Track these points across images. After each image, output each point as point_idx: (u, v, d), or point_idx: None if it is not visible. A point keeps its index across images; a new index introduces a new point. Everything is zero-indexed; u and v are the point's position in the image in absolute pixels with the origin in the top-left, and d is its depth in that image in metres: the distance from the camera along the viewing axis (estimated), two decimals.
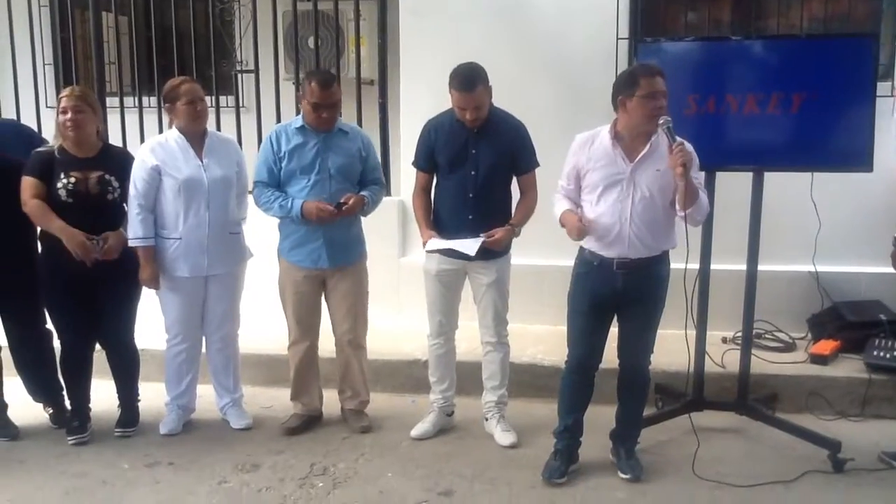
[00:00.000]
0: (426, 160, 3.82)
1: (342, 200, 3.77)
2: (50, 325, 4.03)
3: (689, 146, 3.21)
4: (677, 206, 3.25)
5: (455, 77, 3.60)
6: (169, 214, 3.83)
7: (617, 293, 3.35)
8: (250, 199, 4.02)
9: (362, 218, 4.01)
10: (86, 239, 3.70)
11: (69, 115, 3.71)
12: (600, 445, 3.65)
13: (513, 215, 3.78)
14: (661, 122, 3.17)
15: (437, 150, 3.76)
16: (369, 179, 3.97)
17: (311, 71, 4.18)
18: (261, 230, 4.15)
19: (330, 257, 3.87)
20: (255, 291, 4.26)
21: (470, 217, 3.71)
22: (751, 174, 3.76)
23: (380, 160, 4.10)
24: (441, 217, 3.81)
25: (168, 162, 3.80)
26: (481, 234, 3.65)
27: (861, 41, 3.71)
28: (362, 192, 3.88)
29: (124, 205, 3.85)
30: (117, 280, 3.85)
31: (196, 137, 3.88)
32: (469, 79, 3.57)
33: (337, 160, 3.84)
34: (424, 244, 3.77)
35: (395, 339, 4.63)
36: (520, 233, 3.77)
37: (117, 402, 4.08)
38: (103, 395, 4.09)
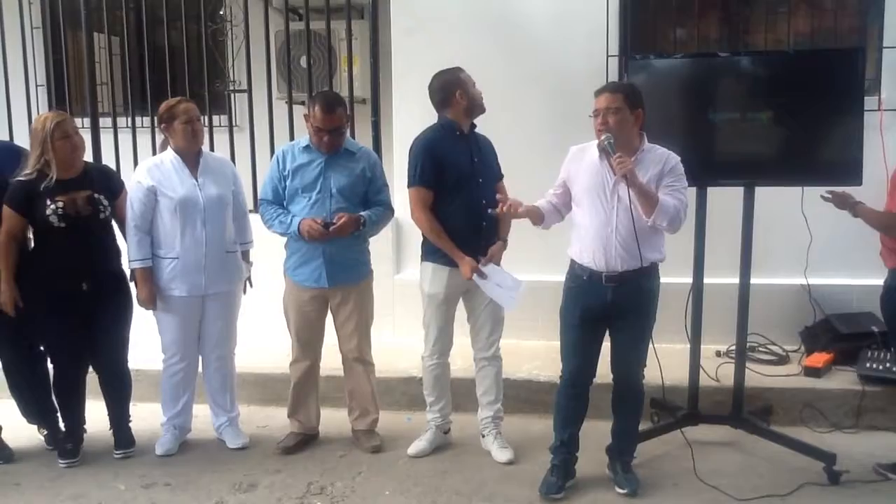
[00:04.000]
0: (436, 177, 3.72)
1: (333, 220, 3.77)
2: (42, 348, 4.02)
3: (641, 155, 3.29)
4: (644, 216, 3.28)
5: (454, 68, 3.83)
6: (166, 234, 3.83)
7: (607, 306, 3.37)
8: (256, 220, 4.03)
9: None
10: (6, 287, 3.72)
11: (74, 139, 3.73)
12: (597, 461, 3.66)
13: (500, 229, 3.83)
14: (602, 138, 3.24)
15: (447, 167, 3.72)
16: (374, 200, 3.93)
17: (318, 93, 4.10)
18: (259, 248, 4.18)
19: (330, 276, 3.86)
20: (251, 310, 4.27)
21: (484, 223, 3.73)
22: (742, 189, 3.78)
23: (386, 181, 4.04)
24: (454, 230, 3.72)
25: (164, 182, 3.81)
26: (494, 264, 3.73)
27: (849, 55, 3.74)
28: (361, 213, 3.84)
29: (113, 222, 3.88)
30: (112, 302, 3.86)
31: (191, 157, 3.89)
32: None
33: (339, 180, 3.83)
34: (466, 272, 3.67)
35: (390, 356, 4.62)
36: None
37: (108, 425, 4.07)
38: (97, 415, 4.07)
